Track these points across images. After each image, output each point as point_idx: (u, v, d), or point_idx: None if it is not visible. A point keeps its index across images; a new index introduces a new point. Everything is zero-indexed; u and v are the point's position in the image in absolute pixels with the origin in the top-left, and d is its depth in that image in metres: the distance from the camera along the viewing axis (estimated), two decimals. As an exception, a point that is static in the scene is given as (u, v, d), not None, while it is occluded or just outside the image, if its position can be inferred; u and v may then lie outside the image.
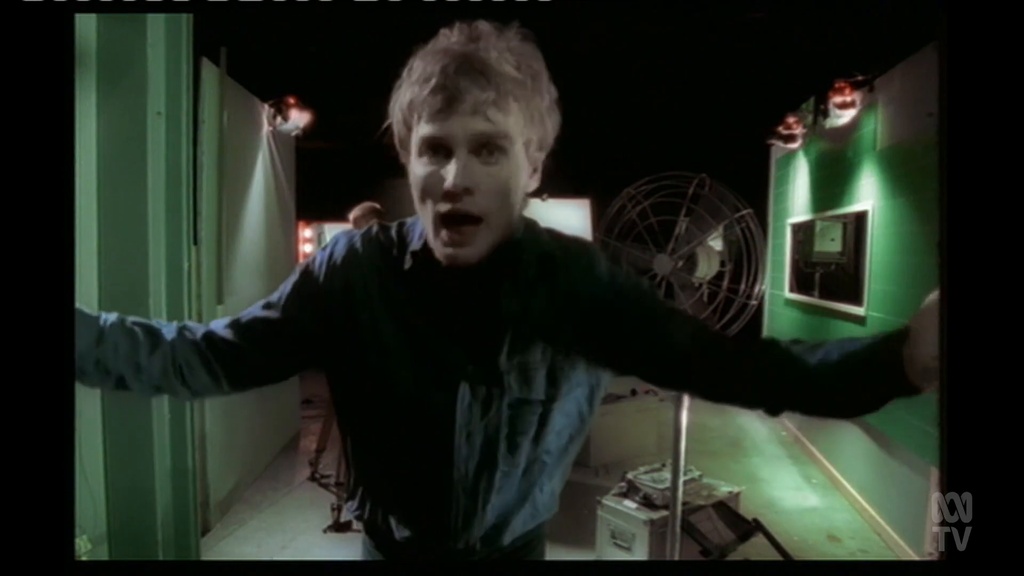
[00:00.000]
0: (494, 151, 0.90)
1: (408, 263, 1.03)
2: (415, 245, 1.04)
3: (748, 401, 1.03)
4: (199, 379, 1.09)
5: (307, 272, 1.10)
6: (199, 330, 1.14)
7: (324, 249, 1.11)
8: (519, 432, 1.07)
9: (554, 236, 1.10)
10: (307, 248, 9.43)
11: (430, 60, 0.90)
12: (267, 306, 1.13)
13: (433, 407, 1.04)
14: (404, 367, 1.04)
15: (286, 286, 1.12)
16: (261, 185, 4.68)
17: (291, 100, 4.69)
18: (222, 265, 3.79)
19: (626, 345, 1.03)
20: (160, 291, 2.44)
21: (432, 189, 0.92)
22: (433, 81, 0.88)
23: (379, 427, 1.12)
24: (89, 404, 2.34)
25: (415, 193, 0.96)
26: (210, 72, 3.63)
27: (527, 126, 0.93)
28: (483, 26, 0.91)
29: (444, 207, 0.91)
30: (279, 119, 4.73)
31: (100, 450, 2.39)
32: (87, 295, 2.31)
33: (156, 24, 2.37)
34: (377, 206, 3.92)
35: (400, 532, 1.16)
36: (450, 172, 0.89)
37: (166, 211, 2.45)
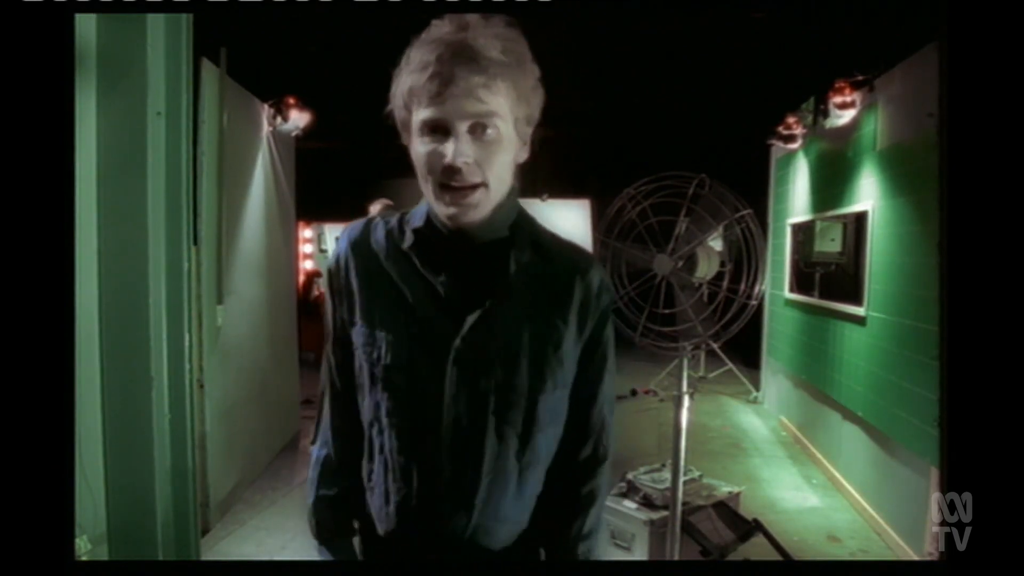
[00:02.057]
0: (487, 128, 1.00)
1: (409, 240, 1.12)
2: (416, 223, 1.12)
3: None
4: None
5: (329, 273, 1.22)
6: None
7: (339, 240, 1.21)
8: (505, 421, 1.11)
9: (555, 237, 1.19)
10: (307, 248, 9.43)
11: (426, 49, 0.99)
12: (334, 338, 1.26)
13: (423, 382, 1.10)
14: (400, 342, 1.11)
15: (327, 304, 1.25)
16: (261, 185, 4.68)
17: (291, 100, 4.69)
18: (222, 265, 3.79)
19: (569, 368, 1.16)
20: (160, 291, 2.44)
21: (434, 165, 1.02)
22: (430, 69, 0.97)
23: (381, 404, 1.16)
24: (89, 404, 2.34)
25: (419, 170, 1.05)
26: (210, 72, 3.63)
27: (515, 104, 1.03)
28: (471, 16, 1.00)
29: (446, 179, 1.01)
30: (279, 119, 4.72)
31: (100, 450, 2.39)
32: (87, 295, 2.31)
33: (156, 24, 2.37)
34: (391, 202, 4.39)
35: (389, 523, 1.19)
36: (449, 149, 0.99)
37: (166, 211, 2.45)
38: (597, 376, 1.20)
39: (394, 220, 1.18)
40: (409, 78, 1.01)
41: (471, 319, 1.08)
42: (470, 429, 1.10)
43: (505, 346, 1.09)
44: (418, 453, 1.13)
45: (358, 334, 1.16)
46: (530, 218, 1.17)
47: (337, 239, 1.23)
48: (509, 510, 1.16)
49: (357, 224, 1.20)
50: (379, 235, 1.17)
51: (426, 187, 1.05)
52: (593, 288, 1.14)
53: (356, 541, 1.33)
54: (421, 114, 1.01)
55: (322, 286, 9.22)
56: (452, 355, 1.08)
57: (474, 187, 1.02)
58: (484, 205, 1.05)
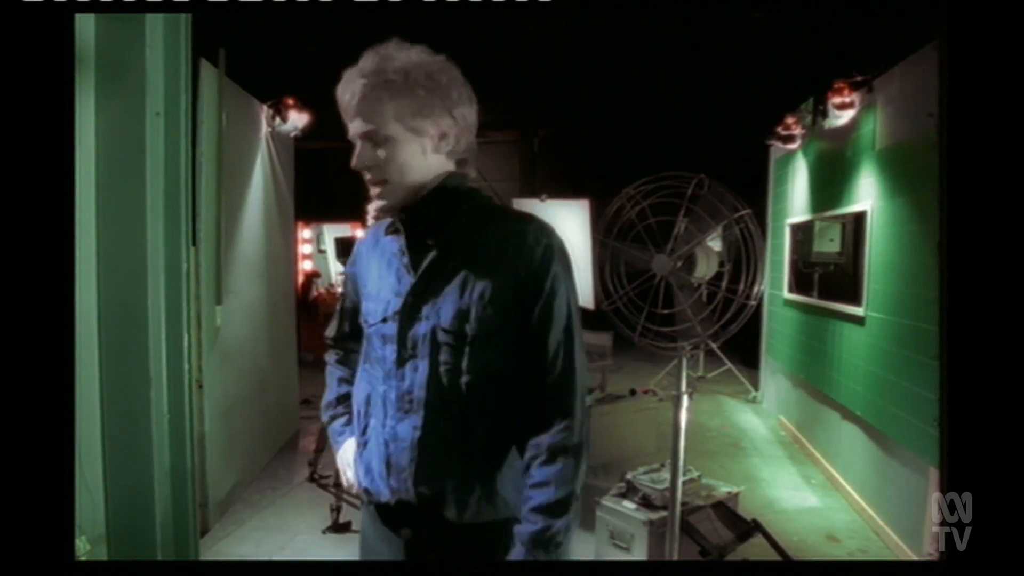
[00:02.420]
0: (379, 139, 1.29)
1: (389, 230, 1.43)
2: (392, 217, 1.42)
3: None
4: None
5: (350, 263, 1.55)
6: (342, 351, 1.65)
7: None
8: (441, 363, 1.31)
9: (500, 208, 1.43)
10: (306, 248, 9.42)
11: (342, 85, 1.31)
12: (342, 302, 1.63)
13: (387, 337, 1.36)
14: (377, 306, 1.39)
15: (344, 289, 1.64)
16: (260, 186, 4.68)
17: (290, 101, 4.69)
18: (221, 266, 3.79)
19: (501, 325, 1.30)
20: (159, 291, 2.44)
21: (357, 166, 1.35)
22: (343, 104, 1.32)
23: (366, 357, 1.45)
24: (88, 405, 2.34)
25: None
26: (209, 73, 3.63)
27: (400, 112, 1.27)
28: (373, 50, 1.29)
29: (365, 176, 1.35)
30: (278, 120, 4.72)
31: (99, 450, 2.39)
32: (87, 295, 2.31)
33: (155, 25, 2.36)
34: None
35: (366, 479, 1.41)
36: (353, 157, 1.33)
37: (165, 212, 2.45)
38: (542, 328, 1.31)
39: (392, 218, 1.43)
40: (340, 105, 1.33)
41: (416, 276, 1.34)
42: (416, 375, 1.33)
43: (440, 296, 1.31)
44: (382, 399, 1.37)
45: (363, 305, 1.46)
46: (471, 194, 1.38)
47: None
48: (457, 448, 1.32)
49: (371, 230, 1.52)
50: (377, 232, 1.47)
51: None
52: (526, 245, 1.30)
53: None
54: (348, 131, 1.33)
55: (321, 286, 9.22)
56: (402, 309, 1.34)
57: (376, 183, 1.33)
58: (394, 195, 1.33)
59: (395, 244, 1.39)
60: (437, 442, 1.32)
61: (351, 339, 1.57)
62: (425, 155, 1.32)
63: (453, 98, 1.30)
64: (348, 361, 1.60)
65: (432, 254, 1.33)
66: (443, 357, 1.31)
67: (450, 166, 1.36)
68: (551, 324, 1.30)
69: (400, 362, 1.34)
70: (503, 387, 1.32)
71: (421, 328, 1.32)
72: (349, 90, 1.29)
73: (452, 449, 1.32)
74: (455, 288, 1.31)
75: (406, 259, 1.36)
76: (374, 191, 1.35)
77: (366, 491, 1.41)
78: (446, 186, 1.35)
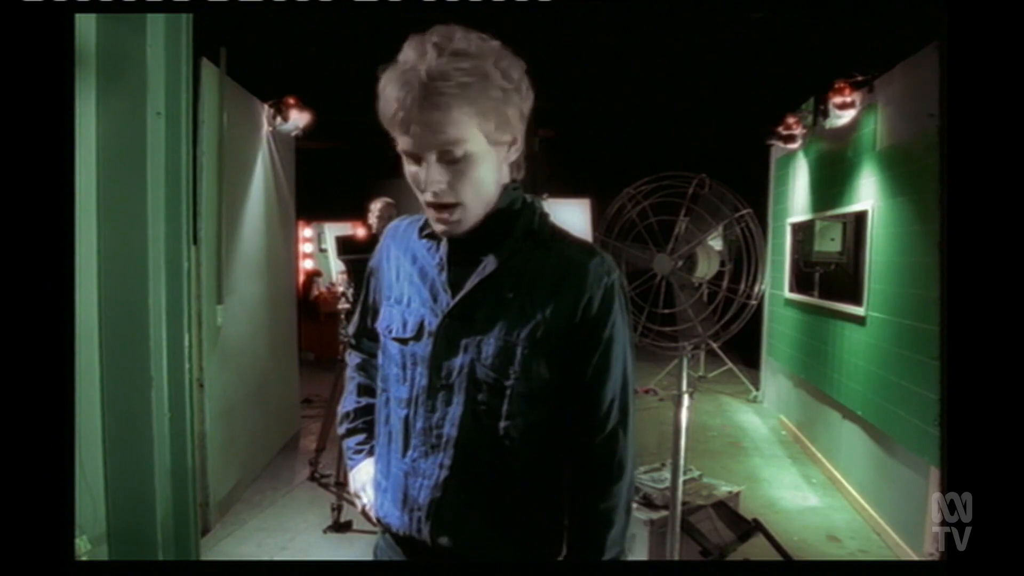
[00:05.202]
0: (454, 153, 1.07)
1: (424, 233, 1.26)
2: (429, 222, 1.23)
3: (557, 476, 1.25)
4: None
5: (375, 257, 1.38)
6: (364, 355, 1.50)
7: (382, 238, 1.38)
8: (479, 402, 1.17)
9: (559, 230, 1.24)
10: (307, 248, 9.42)
11: (392, 87, 1.06)
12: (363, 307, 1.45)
13: (418, 359, 1.22)
14: (406, 318, 1.24)
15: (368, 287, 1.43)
16: (261, 185, 4.68)
17: (291, 100, 4.69)
18: (222, 265, 3.79)
19: (558, 372, 1.18)
20: (160, 291, 2.44)
21: (417, 185, 1.13)
22: (394, 106, 1.06)
23: (385, 372, 1.30)
24: (89, 404, 2.34)
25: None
26: (210, 72, 3.63)
27: (483, 120, 1.07)
28: (431, 41, 1.05)
29: (428, 198, 1.13)
30: (279, 119, 4.72)
31: (100, 450, 2.39)
32: (87, 295, 2.31)
33: (156, 24, 2.36)
34: (392, 201, 4.60)
35: (380, 507, 1.31)
36: (421, 177, 1.11)
37: (166, 211, 2.45)
38: (597, 380, 1.18)
39: (422, 218, 1.27)
40: (383, 110, 1.09)
41: (456, 299, 1.18)
42: (449, 410, 1.19)
43: (483, 328, 1.16)
44: (403, 424, 1.24)
45: (382, 310, 1.31)
46: (533, 211, 1.22)
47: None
48: (484, 496, 1.20)
49: (398, 220, 1.36)
50: (408, 230, 1.31)
51: (420, 199, 1.16)
52: (587, 284, 1.16)
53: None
54: (399, 144, 1.11)
55: (322, 285, 9.22)
56: (437, 331, 1.19)
57: (452, 206, 1.12)
58: (466, 218, 1.14)
59: (433, 254, 1.23)
60: (462, 487, 1.19)
61: (376, 339, 1.38)
62: (500, 168, 1.16)
63: (524, 96, 1.13)
64: (370, 366, 1.44)
65: (477, 278, 1.17)
66: (481, 396, 1.16)
67: (508, 175, 1.19)
68: (607, 375, 1.18)
69: (431, 391, 1.19)
70: (547, 438, 1.20)
71: (459, 359, 1.17)
72: (402, 94, 1.04)
73: (477, 497, 1.19)
74: (502, 322, 1.15)
75: (444, 276, 1.20)
76: (442, 215, 1.13)
77: (379, 519, 1.31)
78: (504, 207, 1.18)
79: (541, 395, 1.17)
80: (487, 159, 1.11)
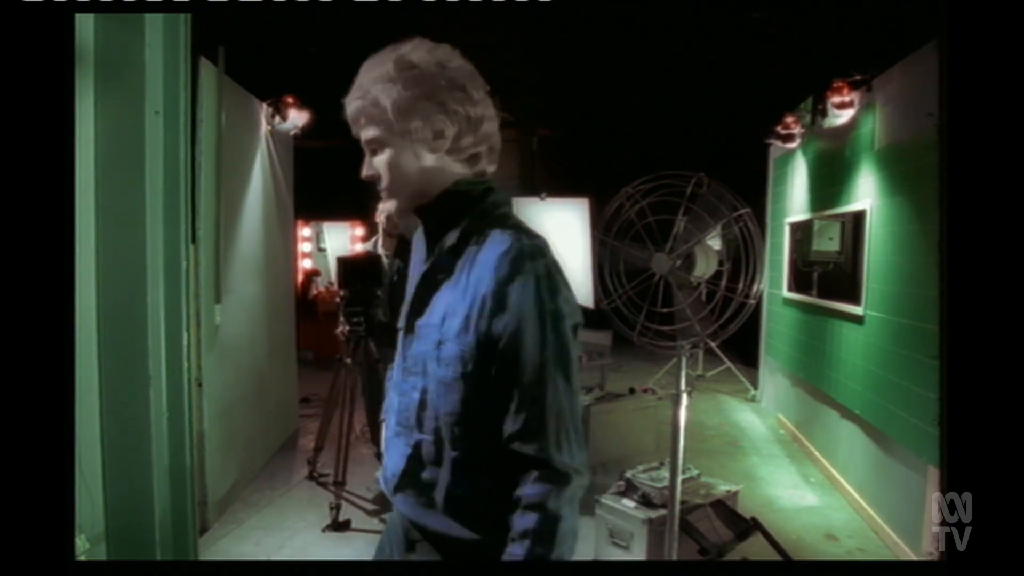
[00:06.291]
0: (376, 147, 1.25)
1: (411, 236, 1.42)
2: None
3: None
4: None
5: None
6: None
7: None
8: (431, 390, 1.24)
9: (502, 222, 1.25)
10: (306, 247, 9.41)
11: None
12: None
13: (398, 345, 1.35)
14: (406, 306, 1.34)
15: None
16: (259, 184, 4.68)
17: (289, 99, 4.68)
18: (220, 264, 3.79)
19: (484, 371, 1.19)
20: (158, 290, 2.44)
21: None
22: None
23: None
24: (87, 403, 2.34)
25: None
26: (208, 71, 3.63)
27: (401, 120, 1.20)
28: (379, 55, 1.23)
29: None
30: (277, 118, 4.72)
31: (98, 449, 2.39)
32: (86, 294, 2.31)
33: (154, 24, 2.36)
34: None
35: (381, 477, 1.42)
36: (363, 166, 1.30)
37: (164, 210, 2.44)
38: (509, 370, 1.17)
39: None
40: None
41: (413, 290, 1.32)
42: (414, 395, 1.27)
43: (432, 317, 1.25)
44: (392, 405, 1.37)
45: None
46: (476, 202, 1.28)
47: None
48: (434, 480, 1.24)
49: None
50: (416, 238, 1.43)
51: None
52: (502, 270, 1.16)
53: None
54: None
55: (320, 285, 9.21)
56: (406, 319, 1.31)
57: (382, 191, 1.28)
58: (396, 200, 1.28)
59: (422, 247, 1.36)
60: (418, 469, 1.25)
61: None
62: (419, 158, 1.23)
63: (442, 89, 1.20)
64: None
65: (424, 268, 1.28)
66: (431, 385, 1.23)
67: (457, 168, 1.26)
68: (519, 364, 1.16)
69: (404, 377, 1.29)
70: (482, 428, 1.20)
71: (417, 347, 1.26)
72: (348, 105, 1.24)
73: (428, 480, 1.25)
74: (439, 313, 1.23)
75: (420, 269, 1.33)
76: (382, 200, 1.31)
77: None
78: (449, 192, 1.26)
79: (471, 384, 1.19)
80: (403, 154, 1.24)
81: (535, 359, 1.16)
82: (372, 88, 1.20)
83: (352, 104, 1.23)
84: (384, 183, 1.27)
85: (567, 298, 1.20)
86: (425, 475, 1.25)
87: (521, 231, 1.22)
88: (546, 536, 1.15)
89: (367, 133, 1.24)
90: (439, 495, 1.24)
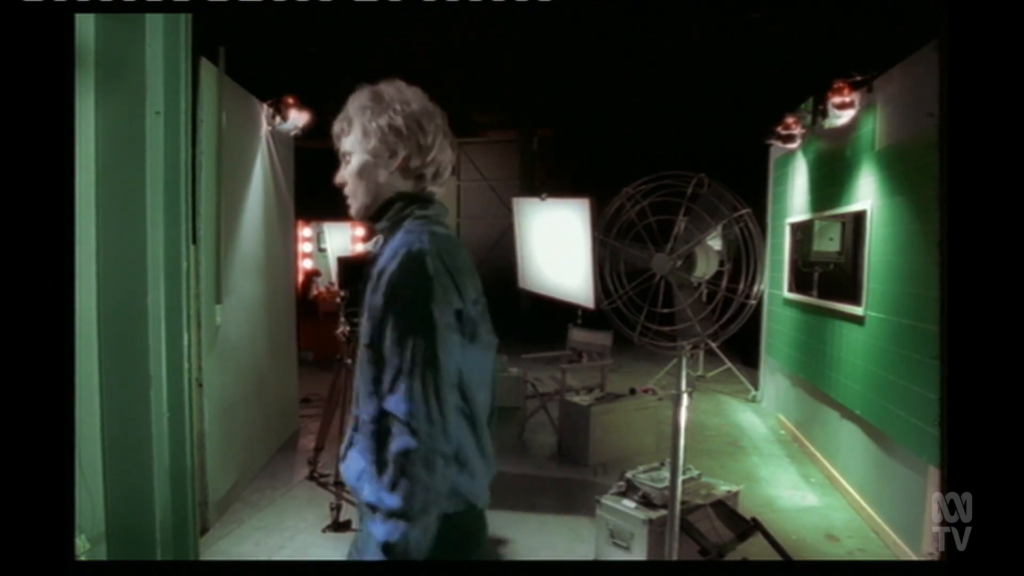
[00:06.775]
0: (346, 159, 1.54)
1: None
2: None
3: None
4: None
5: None
6: None
7: None
8: (360, 373, 1.47)
9: (411, 231, 1.46)
10: (306, 247, 9.42)
11: None
12: None
13: None
14: None
15: None
16: (260, 184, 4.68)
17: (290, 100, 4.68)
18: (221, 264, 3.79)
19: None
20: (159, 290, 2.44)
21: None
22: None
23: None
24: (88, 404, 2.34)
25: None
26: (209, 71, 3.63)
27: (365, 140, 1.50)
28: (356, 92, 1.52)
29: None
30: (278, 118, 4.72)
31: (99, 449, 2.39)
32: (87, 294, 2.31)
33: (155, 24, 2.36)
34: None
35: None
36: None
37: (164, 210, 2.45)
38: (383, 344, 1.38)
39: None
40: None
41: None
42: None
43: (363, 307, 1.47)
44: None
45: None
46: (398, 208, 1.51)
47: None
48: (355, 462, 1.47)
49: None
50: None
51: None
52: (388, 269, 1.38)
53: None
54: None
55: (320, 285, 9.21)
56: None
57: (347, 195, 1.55)
58: (355, 207, 1.55)
59: None
60: (355, 440, 1.49)
61: None
62: (376, 173, 1.51)
63: (402, 121, 1.47)
64: None
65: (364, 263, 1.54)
66: (360, 360, 1.47)
67: (402, 183, 1.52)
68: (389, 353, 1.37)
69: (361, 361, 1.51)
70: (377, 395, 1.43)
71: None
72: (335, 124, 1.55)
73: (361, 452, 1.46)
74: (366, 298, 1.46)
75: None
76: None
77: None
78: (384, 201, 1.52)
79: (375, 357, 1.41)
80: (366, 170, 1.52)
81: (397, 349, 1.37)
82: (350, 112, 1.51)
83: (336, 123, 1.55)
84: (348, 188, 1.55)
85: (434, 284, 1.38)
86: (358, 451, 1.49)
87: (414, 233, 1.44)
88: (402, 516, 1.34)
89: (342, 147, 1.54)
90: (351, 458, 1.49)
